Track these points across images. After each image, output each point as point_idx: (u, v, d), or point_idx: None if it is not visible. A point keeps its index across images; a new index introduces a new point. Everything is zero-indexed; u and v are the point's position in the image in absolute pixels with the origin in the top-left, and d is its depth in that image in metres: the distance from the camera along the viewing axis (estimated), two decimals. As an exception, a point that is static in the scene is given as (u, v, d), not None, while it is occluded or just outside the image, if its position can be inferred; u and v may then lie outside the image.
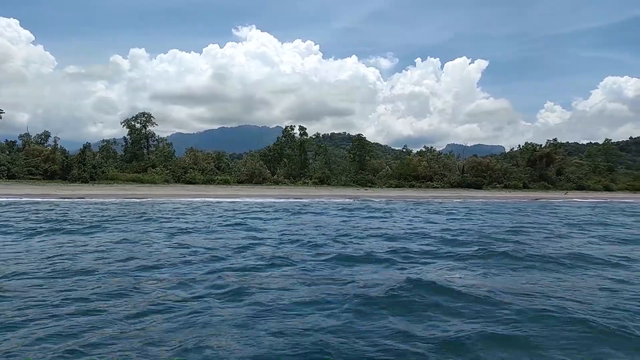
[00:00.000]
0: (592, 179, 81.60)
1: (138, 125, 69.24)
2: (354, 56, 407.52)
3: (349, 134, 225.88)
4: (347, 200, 43.60)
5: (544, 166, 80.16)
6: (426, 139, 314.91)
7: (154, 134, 70.69)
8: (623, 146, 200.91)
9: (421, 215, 25.92)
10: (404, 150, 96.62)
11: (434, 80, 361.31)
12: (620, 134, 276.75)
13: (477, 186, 73.78)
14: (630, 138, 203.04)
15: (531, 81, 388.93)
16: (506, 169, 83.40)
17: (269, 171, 74.95)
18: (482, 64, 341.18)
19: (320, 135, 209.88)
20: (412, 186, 72.24)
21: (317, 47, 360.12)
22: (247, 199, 40.65)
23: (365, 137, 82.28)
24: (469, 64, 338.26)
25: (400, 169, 79.83)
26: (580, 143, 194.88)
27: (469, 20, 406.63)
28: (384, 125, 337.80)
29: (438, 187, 73.60)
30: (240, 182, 64.60)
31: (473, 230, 17.83)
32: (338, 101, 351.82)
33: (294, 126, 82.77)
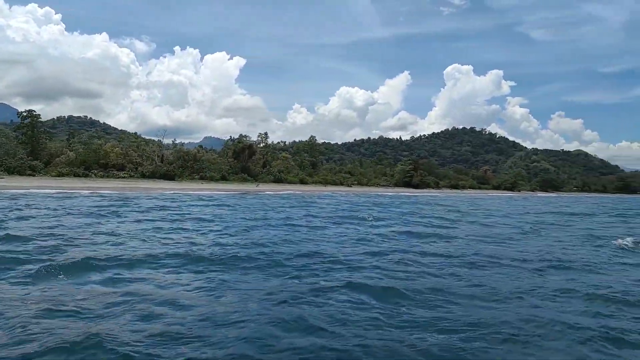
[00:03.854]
0: (292, 173, 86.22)
1: None
2: (104, 34, 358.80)
3: (91, 118, 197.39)
4: None
5: (246, 158, 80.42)
6: (183, 130, 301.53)
7: None
8: (349, 146, 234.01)
9: None
10: (94, 134, 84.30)
11: (192, 71, 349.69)
12: (350, 136, 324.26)
13: (171, 177, 68.14)
14: (355, 140, 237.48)
15: (283, 83, 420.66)
16: (214, 159, 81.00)
17: None
18: (240, 61, 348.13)
19: (55, 118, 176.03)
20: (86, 175, 61.37)
21: (59, 16, 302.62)
22: None
23: (39, 114, 66.83)
24: (228, 59, 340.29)
25: (86, 155, 67.91)
26: (321, 142, 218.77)
27: (229, 17, 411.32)
28: (138, 112, 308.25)
29: (126, 177, 65.04)
30: None
31: None
32: (83, 81, 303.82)
33: None
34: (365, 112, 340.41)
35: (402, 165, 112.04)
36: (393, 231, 15.06)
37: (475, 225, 18.84)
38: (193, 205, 26.52)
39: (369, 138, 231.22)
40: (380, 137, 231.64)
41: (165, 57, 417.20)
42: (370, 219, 19.83)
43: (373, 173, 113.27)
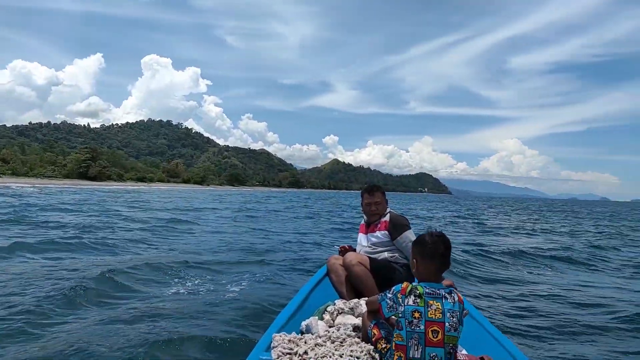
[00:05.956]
0: None
1: None
2: None
3: None
4: None
5: None
6: None
7: None
8: (23, 130, 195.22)
9: None
10: None
11: None
12: (26, 119, 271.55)
13: None
14: (30, 123, 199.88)
15: None
16: None
17: None
18: None
19: None
20: None
21: None
22: None
23: None
24: None
25: None
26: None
27: None
28: None
29: None
30: None
31: None
32: None
33: None
34: (47, 92, 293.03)
35: (77, 153, 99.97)
36: None
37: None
38: None
39: (49, 122, 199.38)
40: (64, 123, 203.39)
41: None
42: None
43: (39, 161, 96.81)
